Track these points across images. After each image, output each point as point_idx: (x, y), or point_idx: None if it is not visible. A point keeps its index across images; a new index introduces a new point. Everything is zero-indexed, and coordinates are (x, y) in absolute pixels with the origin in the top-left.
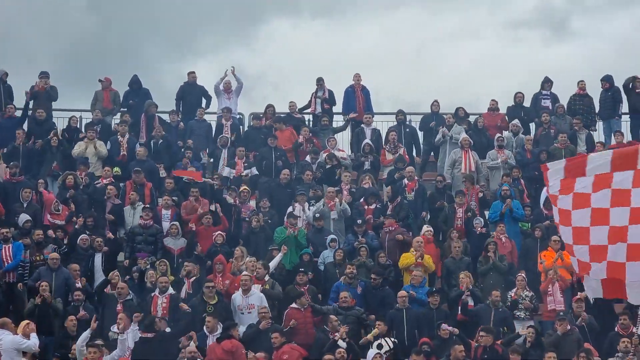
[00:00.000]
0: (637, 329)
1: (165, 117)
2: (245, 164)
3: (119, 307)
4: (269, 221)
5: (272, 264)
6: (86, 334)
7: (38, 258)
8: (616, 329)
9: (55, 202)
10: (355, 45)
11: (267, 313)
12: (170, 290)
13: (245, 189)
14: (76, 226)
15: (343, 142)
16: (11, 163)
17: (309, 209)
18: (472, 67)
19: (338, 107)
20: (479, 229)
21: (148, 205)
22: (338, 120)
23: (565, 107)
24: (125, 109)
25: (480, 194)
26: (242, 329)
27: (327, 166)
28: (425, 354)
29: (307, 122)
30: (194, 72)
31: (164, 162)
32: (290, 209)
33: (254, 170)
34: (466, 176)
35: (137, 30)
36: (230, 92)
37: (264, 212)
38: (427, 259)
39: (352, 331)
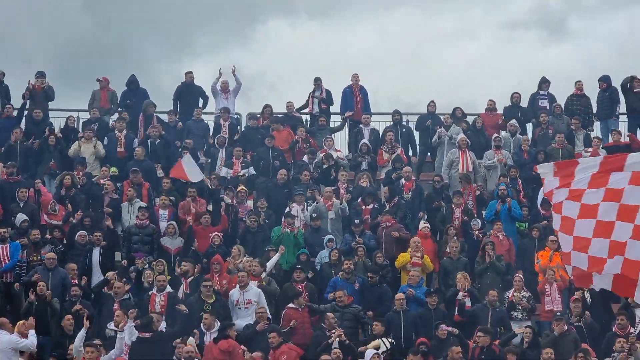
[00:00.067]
0: (636, 329)
1: (163, 117)
2: (243, 164)
3: (115, 306)
4: (266, 221)
5: (270, 264)
6: (82, 333)
7: (35, 258)
8: (613, 329)
9: (52, 203)
10: (353, 45)
11: (264, 313)
12: (168, 289)
13: (242, 189)
14: (74, 221)
15: (340, 142)
16: (8, 163)
17: (306, 209)
18: (469, 68)
19: (335, 107)
20: (476, 232)
21: (144, 205)
22: (335, 120)
23: (563, 107)
24: (123, 109)
25: (478, 192)
26: (239, 323)
27: (324, 166)
28: (422, 354)
29: (304, 122)
30: (191, 72)
31: (162, 162)
32: (288, 209)
33: (251, 170)
34: (462, 177)
35: (134, 30)
36: (227, 92)
37: (261, 212)
38: (425, 259)
39: (350, 329)
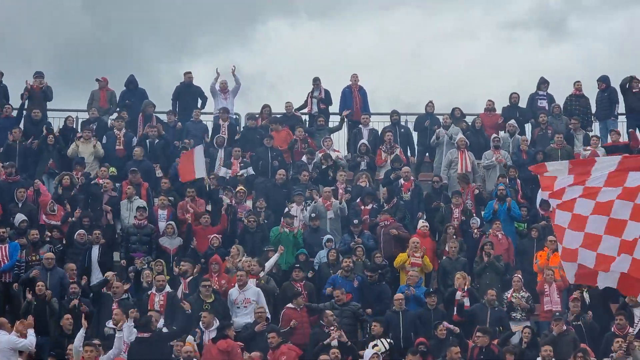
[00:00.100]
0: (634, 329)
1: (163, 117)
2: (242, 164)
3: (114, 306)
4: (265, 221)
5: (269, 264)
6: (81, 333)
7: (34, 258)
8: (612, 329)
9: (50, 203)
10: (353, 45)
11: (263, 313)
12: (167, 289)
13: (241, 189)
14: (73, 219)
15: (339, 142)
16: (7, 163)
17: (305, 209)
18: (469, 68)
19: (334, 107)
20: (475, 230)
21: (143, 205)
22: (334, 121)
23: (562, 107)
24: (122, 109)
25: (476, 191)
26: (238, 320)
27: (323, 166)
28: (421, 354)
29: (304, 121)
30: (190, 73)
31: (160, 162)
32: (287, 209)
33: (250, 170)
34: (460, 177)
35: (133, 30)
36: (226, 92)
37: (260, 212)
38: (425, 259)
39: (349, 326)
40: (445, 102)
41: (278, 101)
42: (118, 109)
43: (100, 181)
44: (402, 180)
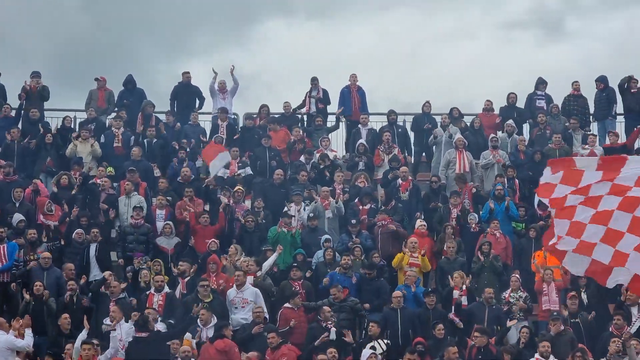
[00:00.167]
0: (631, 327)
1: (162, 117)
2: (240, 164)
3: (112, 305)
4: (263, 221)
5: (267, 264)
6: (83, 334)
7: (32, 257)
8: (610, 329)
9: (48, 203)
10: (351, 45)
11: (261, 313)
12: (166, 289)
13: (239, 189)
14: (71, 218)
15: (338, 142)
16: (5, 163)
17: (304, 210)
18: (467, 68)
19: (333, 107)
20: (473, 225)
21: (139, 205)
22: (332, 121)
23: (560, 107)
24: (120, 109)
25: (474, 190)
26: (236, 317)
27: (321, 166)
28: (419, 354)
29: (302, 120)
30: (188, 73)
31: (158, 162)
32: (286, 208)
33: (248, 170)
34: (457, 177)
35: (131, 30)
36: (225, 92)
37: (257, 212)
38: (424, 260)
39: (347, 321)
40: (443, 102)
41: (276, 101)
42: (116, 109)
43: (99, 181)
44: (400, 180)
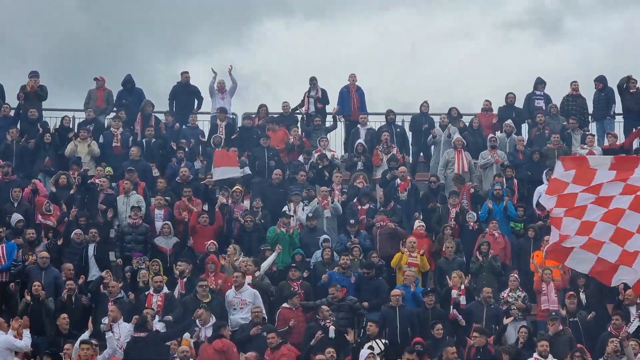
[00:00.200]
0: (629, 326)
1: (161, 116)
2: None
3: (110, 305)
4: (262, 221)
5: (266, 264)
6: (86, 335)
7: (31, 257)
8: (609, 329)
9: (46, 203)
10: (349, 45)
11: (260, 313)
12: (165, 289)
13: (237, 188)
14: (70, 218)
15: (337, 142)
16: (3, 162)
17: (302, 210)
18: (466, 68)
19: (331, 107)
20: (471, 223)
21: (136, 205)
22: (331, 120)
23: (559, 107)
24: (119, 109)
25: (472, 190)
26: (234, 318)
27: (319, 166)
28: (417, 354)
29: (302, 119)
30: (187, 72)
31: (157, 162)
32: (285, 208)
33: (247, 170)
34: (455, 178)
35: (129, 30)
36: (224, 92)
37: (256, 212)
38: (422, 259)
39: (345, 320)
40: (443, 102)
41: (274, 101)
42: (115, 109)
43: (97, 180)
44: (398, 180)
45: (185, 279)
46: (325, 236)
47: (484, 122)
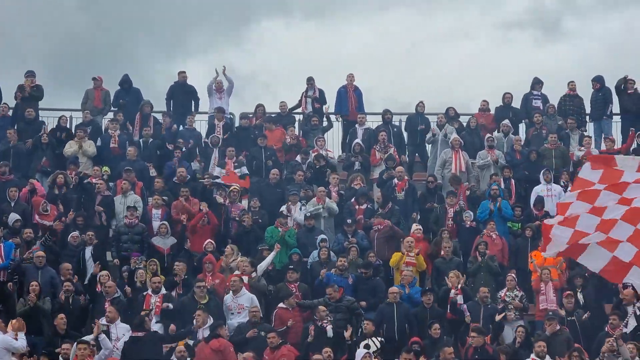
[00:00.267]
0: (625, 323)
1: (159, 116)
2: (236, 164)
3: (106, 305)
4: (260, 220)
5: (265, 263)
6: (92, 337)
7: (28, 257)
8: (606, 329)
9: (43, 203)
10: (347, 46)
11: (258, 312)
12: (163, 290)
13: (235, 188)
14: (67, 221)
15: (333, 142)
16: (0, 162)
17: (300, 209)
18: (465, 68)
19: (329, 107)
20: (468, 222)
21: (132, 205)
22: (326, 121)
23: (556, 107)
24: (116, 109)
25: (468, 192)
26: (232, 323)
27: (317, 167)
28: (415, 353)
29: (299, 121)
30: (184, 72)
31: (154, 161)
32: (283, 208)
33: (244, 170)
34: (451, 179)
35: (127, 30)
36: (222, 91)
37: (254, 211)
38: (418, 258)
39: (343, 321)
40: (441, 102)
41: (272, 101)
42: (112, 109)
43: (94, 180)
44: (395, 180)
45: (180, 279)
46: (322, 236)
47: (481, 122)
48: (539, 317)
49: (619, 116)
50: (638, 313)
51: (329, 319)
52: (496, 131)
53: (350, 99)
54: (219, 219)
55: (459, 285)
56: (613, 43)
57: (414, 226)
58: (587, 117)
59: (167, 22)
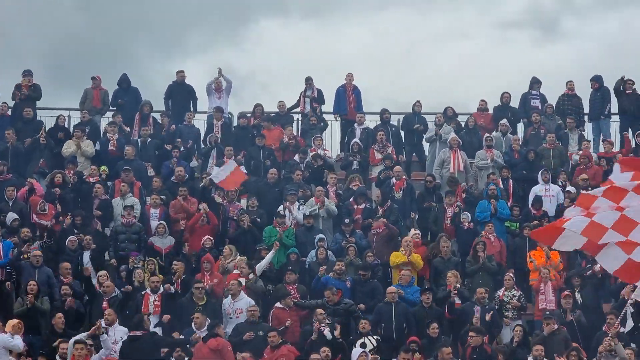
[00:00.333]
0: (622, 320)
1: (157, 116)
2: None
3: (104, 304)
4: (258, 220)
5: (263, 263)
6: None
7: (26, 256)
8: (604, 329)
9: (41, 202)
10: (345, 45)
11: (255, 312)
12: (162, 289)
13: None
14: (64, 225)
15: (331, 141)
16: None
17: (298, 209)
18: (462, 67)
19: (328, 107)
20: (466, 224)
21: (129, 204)
22: (328, 120)
23: (554, 107)
24: (115, 110)
25: (464, 195)
26: (230, 327)
27: (314, 166)
28: (413, 353)
29: (297, 121)
30: (182, 72)
31: (152, 161)
32: (281, 207)
33: (243, 169)
34: (448, 180)
35: (126, 30)
36: (220, 91)
37: (252, 211)
38: (415, 257)
39: (342, 324)
40: (439, 102)
41: (271, 101)
42: (111, 108)
43: (91, 179)
44: (394, 179)
45: (180, 280)
46: (320, 235)
47: (480, 122)
48: (538, 317)
49: (617, 116)
50: (632, 311)
51: (326, 321)
52: (494, 131)
53: (349, 99)
54: (217, 219)
55: (457, 285)
56: (611, 43)
57: (412, 231)
58: (586, 117)
59: (166, 22)
